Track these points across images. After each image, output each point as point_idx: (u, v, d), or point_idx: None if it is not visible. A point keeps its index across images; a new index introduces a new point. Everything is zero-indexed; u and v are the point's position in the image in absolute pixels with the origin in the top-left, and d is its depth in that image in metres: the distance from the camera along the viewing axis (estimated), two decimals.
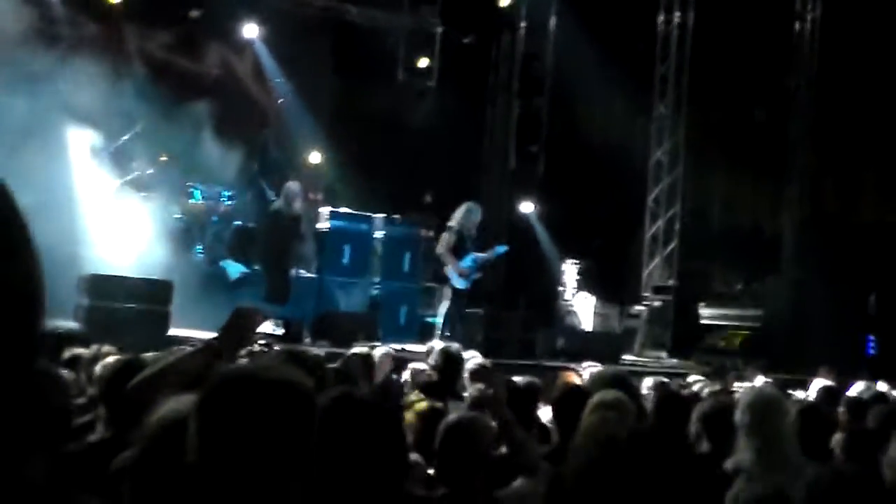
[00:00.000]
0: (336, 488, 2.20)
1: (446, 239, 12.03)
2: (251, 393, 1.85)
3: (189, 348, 3.50)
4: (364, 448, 2.24)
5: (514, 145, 17.78)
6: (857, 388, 7.32)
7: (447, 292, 12.32)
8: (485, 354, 8.52)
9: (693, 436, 4.74)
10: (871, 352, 14.95)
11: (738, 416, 4.26)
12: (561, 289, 16.94)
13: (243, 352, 4.34)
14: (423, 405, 5.51)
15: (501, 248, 12.59)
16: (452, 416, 3.76)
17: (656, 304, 16.56)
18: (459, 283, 12.03)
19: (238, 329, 3.12)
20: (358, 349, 7.46)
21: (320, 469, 2.03)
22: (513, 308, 12.77)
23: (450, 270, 12.01)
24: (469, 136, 18.18)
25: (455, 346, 7.38)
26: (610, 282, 17.46)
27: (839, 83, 17.42)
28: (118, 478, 3.04)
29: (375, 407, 2.43)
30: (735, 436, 4.27)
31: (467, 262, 11.95)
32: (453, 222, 12.12)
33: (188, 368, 2.92)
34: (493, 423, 3.88)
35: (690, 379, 8.43)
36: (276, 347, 6.43)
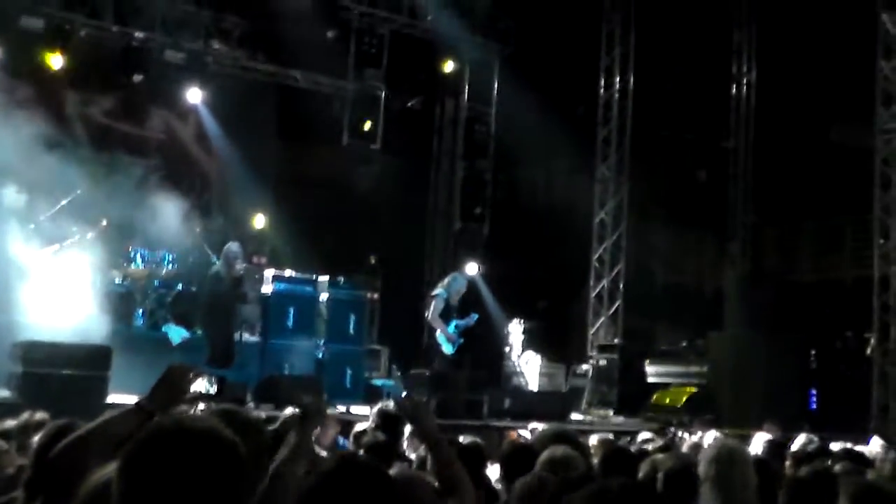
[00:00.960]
0: None
1: (435, 305, 12.29)
2: (173, 445, 1.79)
3: (118, 411, 3.40)
4: None
5: (459, 207, 17.80)
6: (799, 441, 7.33)
7: (434, 355, 12.57)
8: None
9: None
10: (814, 405, 15.07)
11: (703, 468, 4.25)
12: (507, 349, 16.92)
13: (176, 411, 4.21)
14: None
15: (475, 316, 12.80)
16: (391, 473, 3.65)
17: (602, 362, 16.58)
18: (448, 349, 12.31)
19: (170, 387, 3.02)
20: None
21: None
22: (459, 368, 12.69)
23: (440, 336, 12.29)
24: (414, 198, 18.23)
25: (392, 405, 7.26)
26: (556, 341, 17.52)
27: (776, 142, 17.83)
28: None
29: (380, 473, 2.34)
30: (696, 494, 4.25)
31: (451, 328, 12.27)
32: (440, 289, 12.43)
33: (118, 431, 2.79)
34: (434, 482, 3.75)
35: (640, 437, 8.36)
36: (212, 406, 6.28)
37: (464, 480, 3.57)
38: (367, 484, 2.25)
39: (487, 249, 17.76)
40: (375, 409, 7.16)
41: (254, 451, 2.43)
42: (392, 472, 3.68)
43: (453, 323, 12.30)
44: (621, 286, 18.05)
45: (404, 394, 12.05)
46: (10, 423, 6.04)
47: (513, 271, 17.65)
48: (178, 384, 3.05)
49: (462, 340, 12.41)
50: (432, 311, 12.33)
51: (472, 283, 17.42)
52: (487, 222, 17.72)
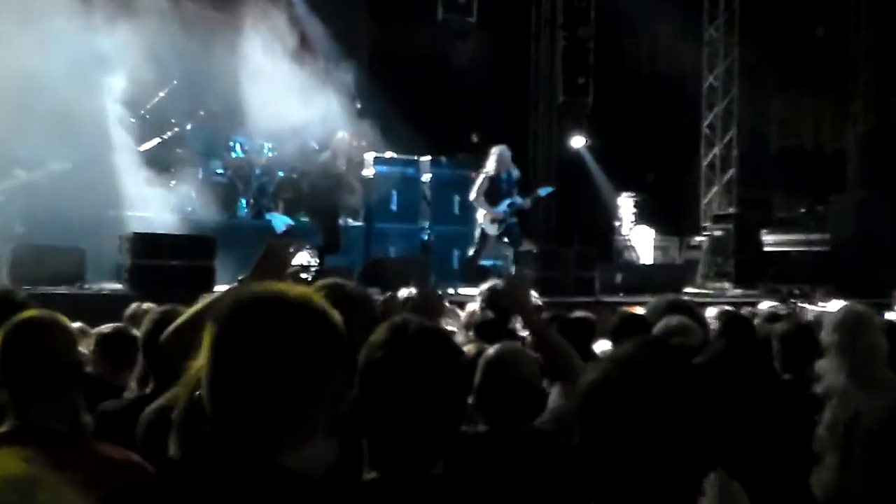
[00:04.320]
0: (385, 425, 2.00)
1: (479, 184, 12.05)
2: (259, 311, 1.71)
3: (221, 292, 3.32)
4: (427, 380, 2.02)
5: (561, 79, 17.29)
6: None
7: (476, 234, 12.33)
8: (541, 293, 8.23)
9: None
10: None
11: (827, 335, 3.97)
12: (617, 223, 16.65)
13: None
14: (471, 347, 5.21)
15: (544, 190, 12.60)
16: (492, 350, 3.46)
17: (717, 233, 16.23)
18: (491, 230, 12.05)
19: (271, 261, 2.99)
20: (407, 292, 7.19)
21: (372, 403, 1.97)
22: (568, 245, 12.48)
23: (483, 218, 12.04)
24: (514, 71, 17.78)
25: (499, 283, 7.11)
26: (668, 213, 17.20)
27: None
28: (150, 432, 2.87)
29: (438, 335, 2.15)
30: (814, 358, 3.98)
31: (502, 207, 11.95)
32: (484, 168, 12.16)
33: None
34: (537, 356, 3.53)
35: (762, 306, 7.98)
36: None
37: (574, 365, 3.32)
38: (423, 348, 2.05)
39: (592, 121, 17.43)
40: (484, 288, 7.03)
41: (360, 327, 2.28)
42: (499, 347, 3.51)
43: (506, 202, 11.95)
44: (734, 153, 17.64)
45: (513, 271, 11.98)
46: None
47: (620, 143, 17.25)
48: (279, 258, 3.02)
49: (513, 220, 12.07)
50: (475, 190, 12.03)
51: (578, 157, 17.19)
52: (591, 93, 17.24)
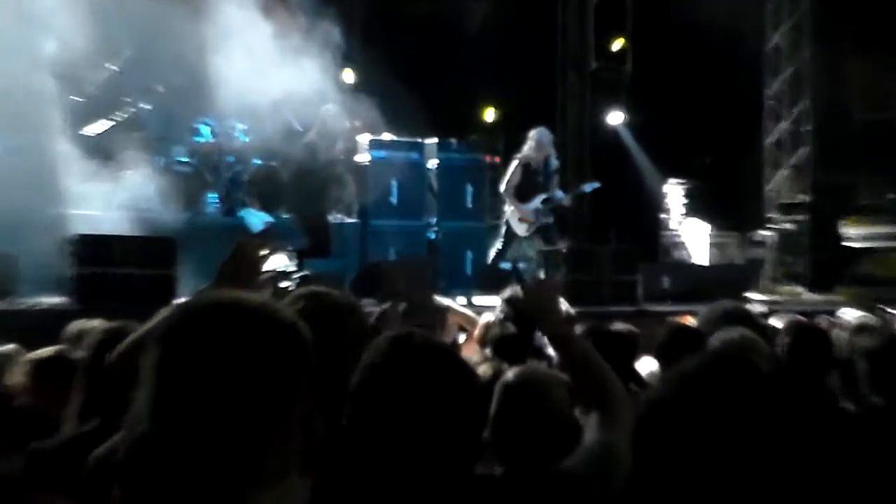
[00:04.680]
0: (379, 461, 2.01)
1: (510, 175, 12.22)
2: (211, 322, 1.70)
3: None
4: (431, 406, 2.02)
5: (594, 42, 17.32)
6: None
7: (502, 232, 12.50)
8: (571, 301, 8.18)
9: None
10: None
11: None
12: (664, 216, 16.67)
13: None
14: (486, 368, 5.17)
15: (590, 186, 12.83)
16: (512, 373, 3.42)
17: (786, 226, 16.22)
18: (519, 229, 12.26)
19: (240, 266, 2.96)
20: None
21: (363, 434, 1.96)
22: (604, 242, 12.52)
23: (511, 213, 12.21)
24: (537, 36, 17.84)
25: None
26: (725, 203, 17.23)
27: None
28: (96, 474, 2.86)
29: (446, 352, 2.16)
30: None
31: (535, 203, 12.15)
32: (520, 154, 12.34)
33: None
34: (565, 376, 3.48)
35: (844, 315, 7.93)
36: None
37: (613, 389, 3.23)
38: (428, 366, 2.06)
39: (632, 93, 17.55)
40: (503, 296, 7.03)
41: (349, 343, 2.35)
42: (520, 369, 3.47)
43: (540, 197, 12.11)
44: (806, 128, 17.67)
45: (541, 275, 11.98)
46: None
47: (666, 119, 17.29)
48: (249, 262, 2.99)
49: (549, 220, 12.21)
50: (506, 181, 12.16)
51: (615, 135, 17.18)
52: (630, 59, 17.27)
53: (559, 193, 12.21)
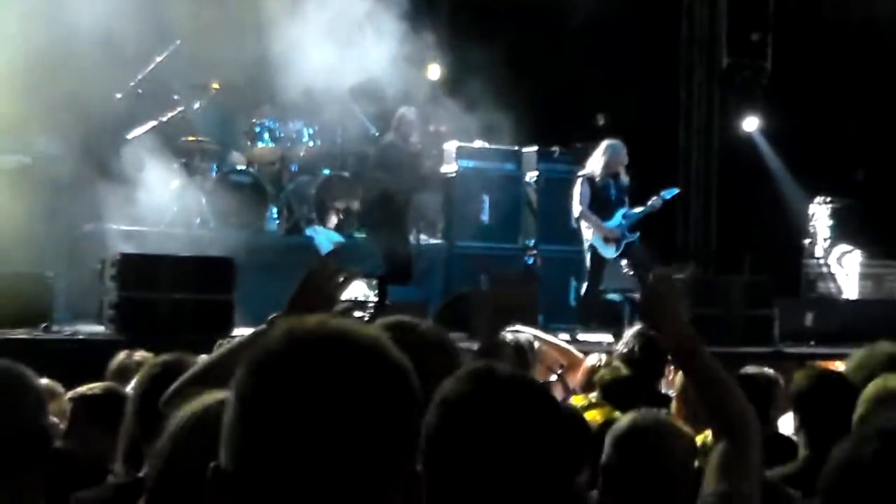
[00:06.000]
0: None
1: (580, 192, 12.26)
2: (315, 357, 1.69)
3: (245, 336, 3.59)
4: (519, 457, 2.05)
5: (726, 35, 17.25)
6: None
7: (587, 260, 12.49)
8: None
9: None
10: None
11: None
12: (807, 241, 16.49)
13: None
14: (596, 414, 5.21)
15: (668, 193, 12.72)
16: (626, 419, 3.44)
17: None
18: (607, 252, 12.22)
19: (313, 296, 3.10)
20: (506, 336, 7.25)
21: (444, 482, 1.97)
22: (735, 271, 12.43)
23: (594, 236, 12.21)
24: (658, 27, 17.78)
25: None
26: (882, 226, 16.91)
27: None
28: None
29: (539, 391, 2.20)
30: None
31: (616, 220, 12.19)
32: (584, 171, 12.44)
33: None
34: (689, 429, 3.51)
35: None
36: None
37: (749, 418, 3.19)
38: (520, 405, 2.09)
39: (771, 95, 17.30)
40: (632, 330, 7.07)
41: (437, 378, 2.35)
42: (637, 416, 3.50)
43: (619, 213, 12.16)
44: None
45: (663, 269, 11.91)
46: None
47: (811, 126, 17.10)
48: (323, 291, 3.13)
49: (634, 237, 12.23)
50: (576, 200, 12.20)
51: (749, 144, 17.06)
52: (769, 55, 17.14)
53: (637, 210, 12.30)
